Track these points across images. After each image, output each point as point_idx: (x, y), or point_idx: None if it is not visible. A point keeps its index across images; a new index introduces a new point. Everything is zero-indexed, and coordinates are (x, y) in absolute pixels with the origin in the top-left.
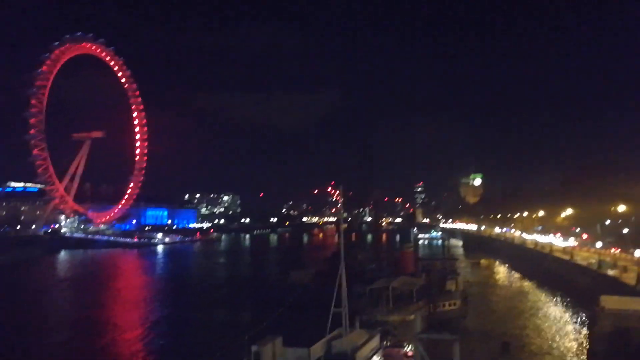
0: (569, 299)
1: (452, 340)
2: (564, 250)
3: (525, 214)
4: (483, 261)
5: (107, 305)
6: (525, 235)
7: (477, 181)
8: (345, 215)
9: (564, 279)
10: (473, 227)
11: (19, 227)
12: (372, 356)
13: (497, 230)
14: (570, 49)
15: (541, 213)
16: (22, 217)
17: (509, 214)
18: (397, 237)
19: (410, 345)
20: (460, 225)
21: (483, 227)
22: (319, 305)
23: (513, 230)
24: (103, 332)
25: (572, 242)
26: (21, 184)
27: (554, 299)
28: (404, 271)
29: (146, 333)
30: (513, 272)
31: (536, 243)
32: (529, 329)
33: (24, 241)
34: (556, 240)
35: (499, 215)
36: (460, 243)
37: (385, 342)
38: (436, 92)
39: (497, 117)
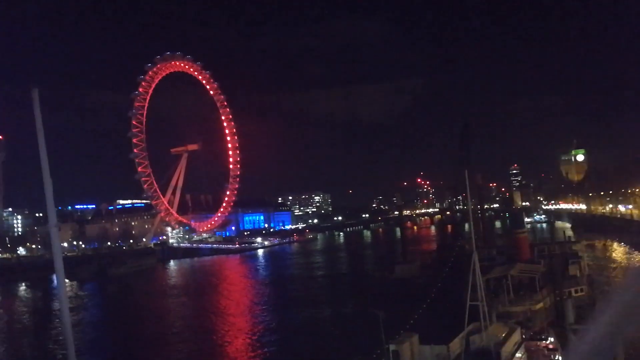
0: None
1: None
2: None
3: None
4: (597, 243)
5: (231, 308)
6: None
7: (580, 157)
8: (438, 205)
9: None
10: (580, 206)
11: (131, 240)
12: (516, 351)
13: (611, 207)
14: None
15: None
16: (133, 232)
17: (623, 189)
18: (497, 224)
19: (550, 337)
20: (565, 206)
21: (592, 206)
22: (442, 299)
23: (630, 206)
24: (234, 335)
25: None
26: (129, 201)
27: None
28: (519, 258)
29: (279, 335)
30: (635, 251)
31: None
32: None
33: (138, 253)
34: None
35: (610, 192)
36: (568, 225)
37: (523, 335)
38: (524, 68)
39: (591, 86)
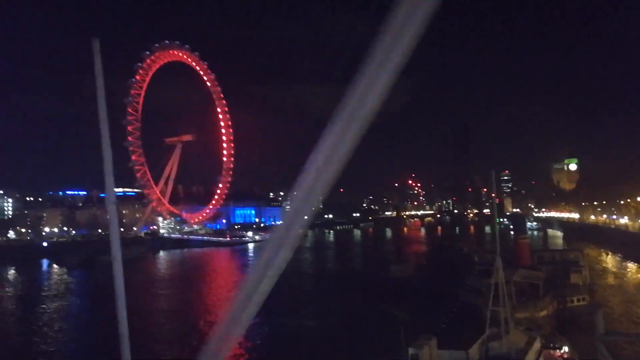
0: None
1: None
2: None
3: (639, 198)
4: (590, 252)
5: (222, 300)
6: None
7: (573, 166)
8: (428, 208)
9: None
10: (571, 215)
11: (121, 229)
12: None
13: (605, 217)
14: None
15: None
16: (124, 220)
17: (617, 200)
18: (487, 228)
19: (565, 347)
20: (556, 214)
21: (585, 216)
22: (449, 301)
23: (625, 217)
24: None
25: None
26: (120, 189)
27: None
28: (519, 264)
29: (297, 332)
30: (628, 261)
31: None
32: None
33: (128, 242)
34: None
35: (603, 202)
36: (559, 233)
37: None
38: (519, 75)
39: (586, 97)
